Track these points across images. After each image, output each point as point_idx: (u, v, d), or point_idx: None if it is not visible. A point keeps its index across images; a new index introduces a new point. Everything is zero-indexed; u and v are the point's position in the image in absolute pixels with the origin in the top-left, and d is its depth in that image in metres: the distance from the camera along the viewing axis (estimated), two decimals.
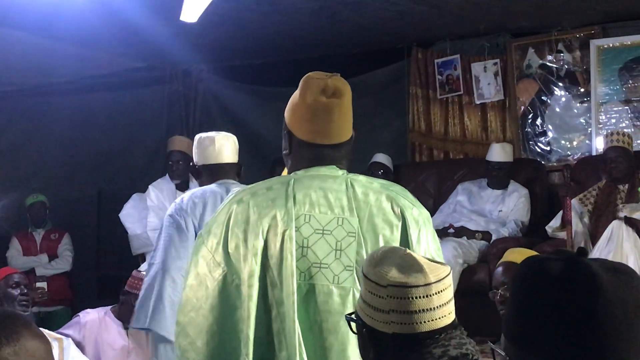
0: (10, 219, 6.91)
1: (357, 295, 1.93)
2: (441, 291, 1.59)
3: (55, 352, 4.09)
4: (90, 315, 4.59)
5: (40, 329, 4.06)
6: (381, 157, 6.17)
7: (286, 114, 2.12)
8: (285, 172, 2.48)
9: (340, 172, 2.09)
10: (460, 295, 5.19)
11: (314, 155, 2.07)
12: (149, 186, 5.74)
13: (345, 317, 1.68)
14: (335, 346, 1.95)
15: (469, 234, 5.53)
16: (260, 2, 5.18)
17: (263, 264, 1.94)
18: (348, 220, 2.00)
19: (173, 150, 5.76)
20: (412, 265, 1.59)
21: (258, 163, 6.53)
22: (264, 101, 7.06)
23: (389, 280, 1.57)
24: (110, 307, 4.70)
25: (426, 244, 2.05)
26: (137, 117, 7.27)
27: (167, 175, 5.84)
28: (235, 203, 2.01)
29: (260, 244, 1.95)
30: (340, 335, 1.94)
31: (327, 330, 1.95)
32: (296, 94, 2.10)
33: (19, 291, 4.16)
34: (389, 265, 1.60)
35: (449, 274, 1.62)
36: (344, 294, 1.97)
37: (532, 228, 5.67)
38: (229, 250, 1.96)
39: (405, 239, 2.02)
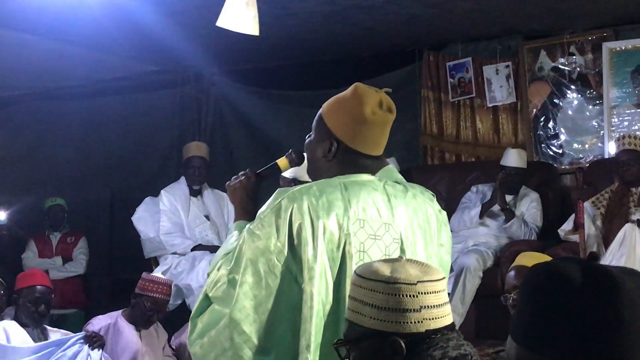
0: (25, 221, 6.94)
1: None
2: (437, 292, 1.62)
3: None
4: (102, 322, 4.59)
5: (55, 328, 4.07)
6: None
7: (334, 121, 2.14)
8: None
9: (376, 178, 2.15)
10: (474, 298, 5.21)
11: (362, 164, 2.13)
12: (162, 191, 5.75)
13: (334, 344, 1.68)
14: None
15: (502, 202, 5.58)
16: (273, 5, 5.19)
17: (324, 267, 1.96)
18: (392, 227, 2.06)
19: (194, 156, 5.77)
20: (405, 266, 1.63)
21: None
22: (276, 104, 7.08)
23: (382, 277, 1.60)
24: (120, 311, 4.70)
25: (447, 245, 2.18)
26: (149, 121, 7.29)
27: (181, 179, 5.86)
28: (293, 202, 2.00)
29: (321, 245, 1.96)
30: None
31: None
32: (350, 104, 2.12)
33: (34, 308, 4.07)
34: (383, 265, 1.64)
35: (443, 277, 1.66)
36: None
37: (545, 231, 5.66)
38: (294, 249, 1.96)
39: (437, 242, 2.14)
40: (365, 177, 2.12)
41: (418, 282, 1.59)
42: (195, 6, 5.15)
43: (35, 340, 4.01)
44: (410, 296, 1.58)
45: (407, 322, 1.57)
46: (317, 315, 1.92)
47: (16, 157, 7.41)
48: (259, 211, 2.07)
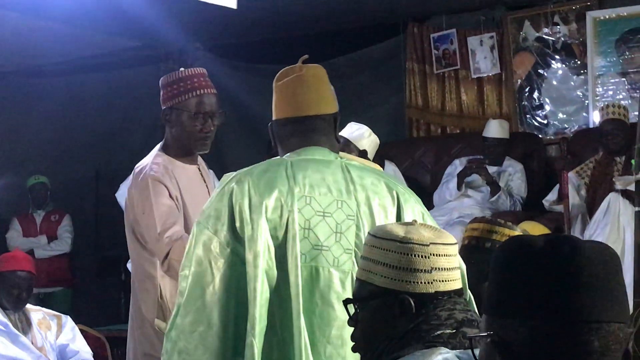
0: (7, 200, 6.91)
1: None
2: (448, 255, 1.64)
3: (54, 328, 4.12)
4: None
5: (37, 307, 4.08)
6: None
7: (273, 113, 2.19)
8: None
9: (333, 155, 2.12)
10: None
11: (299, 128, 2.11)
12: None
13: (344, 301, 1.69)
14: (333, 329, 1.98)
15: (486, 174, 5.53)
16: None
17: (267, 245, 1.94)
18: (347, 203, 2.03)
19: None
20: (419, 229, 1.65)
21: (255, 141, 6.52)
22: (260, 79, 7.03)
23: (395, 236, 1.62)
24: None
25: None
26: (132, 97, 7.24)
27: None
28: (233, 184, 2.00)
29: (263, 223, 1.94)
30: (339, 319, 1.97)
31: (326, 313, 1.98)
32: (274, 90, 2.19)
33: (16, 293, 4.01)
34: (397, 227, 1.67)
35: (455, 243, 1.68)
36: (344, 277, 2.00)
37: (530, 202, 5.68)
38: (236, 231, 1.95)
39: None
40: (318, 154, 2.09)
41: (431, 243, 1.61)
42: None
43: (15, 325, 3.99)
44: (422, 257, 1.60)
45: (418, 282, 1.59)
46: (261, 296, 1.90)
47: None
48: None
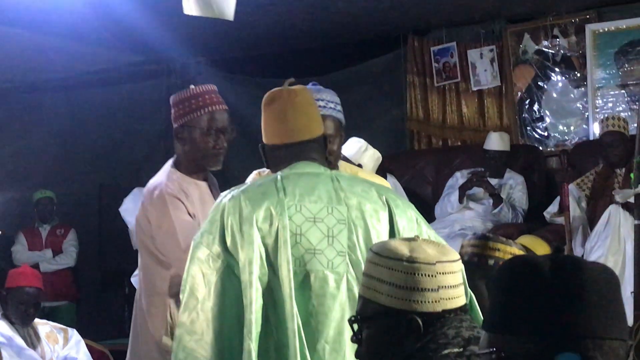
0: (12, 214, 6.94)
1: (351, 280, 2.03)
2: (454, 272, 1.64)
3: (61, 341, 4.15)
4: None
5: (44, 320, 4.11)
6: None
7: (262, 135, 2.27)
8: None
9: (323, 169, 2.20)
10: None
11: (291, 151, 2.19)
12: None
13: (349, 320, 1.70)
14: (331, 330, 2.02)
15: (488, 186, 5.55)
16: None
17: (259, 253, 2.00)
18: (337, 209, 2.09)
19: None
20: (423, 246, 1.65)
21: (256, 155, 6.53)
22: (261, 93, 7.02)
23: (401, 256, 1.61)
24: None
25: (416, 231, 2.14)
26: (135, 112, 7.28)
27: None
28: (226, 200, 2.09)
29: (255, 232, 2.01)
30: (336, 320, 2.01)
31: (322, 315, 2.02)
32: (262, 113, 2.26)
33: (24, 308, 4.05)
34: (401, 244, 1.66)
35: (459, 258, 1.69)
36: (338, 279, 2.04)
37: (531, 214, 5.70)
38: (227, 241, 2.02)
39: (392, 227, 2.12)
40: (308, 168, 2.17)
41: (437, 262, 1.61)
42: None
43: (24, 339, 4.01)
44: (428, 276, 1.59)
45: (425, 302, 1.59)
46: (256, 302, 1.97)
47: (1, 151, 7.39)
48: None
